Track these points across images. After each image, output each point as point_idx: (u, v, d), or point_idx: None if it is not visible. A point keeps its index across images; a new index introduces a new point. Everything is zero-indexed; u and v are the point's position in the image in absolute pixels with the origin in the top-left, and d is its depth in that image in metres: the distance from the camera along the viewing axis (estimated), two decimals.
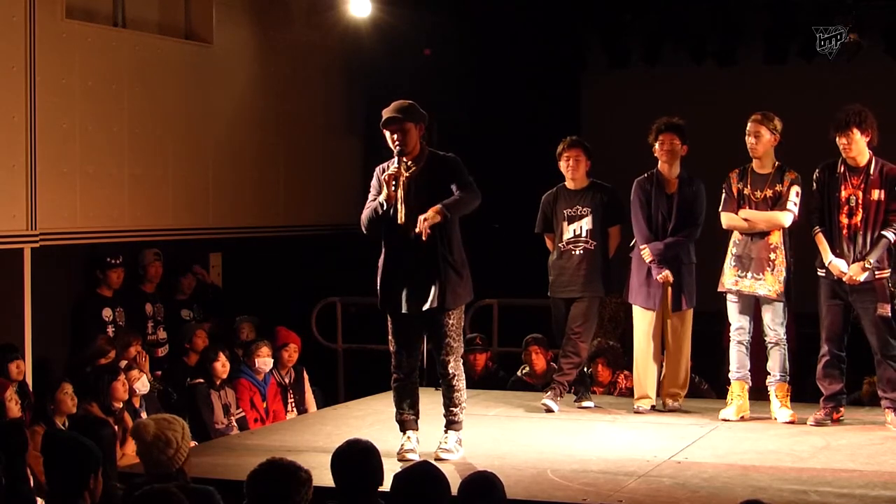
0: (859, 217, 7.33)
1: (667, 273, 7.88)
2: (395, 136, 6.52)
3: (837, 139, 7.33)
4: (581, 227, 8.15)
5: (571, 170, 8.18)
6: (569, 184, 8.24)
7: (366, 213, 6.67)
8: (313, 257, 11.50)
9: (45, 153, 8.65)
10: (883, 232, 7.29)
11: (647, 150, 8.04)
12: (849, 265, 7.35)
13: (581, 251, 8.13)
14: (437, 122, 6.75)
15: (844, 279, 7.34)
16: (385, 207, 6.53)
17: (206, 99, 10.46)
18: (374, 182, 6.72)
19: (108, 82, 9.45)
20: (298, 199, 11.59)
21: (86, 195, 9.19)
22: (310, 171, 11.75)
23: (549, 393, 8.17)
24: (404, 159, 6.56)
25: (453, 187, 6.55)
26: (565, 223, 8.17)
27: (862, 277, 7.30)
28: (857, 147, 7.31)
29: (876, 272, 7.31)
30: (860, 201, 7.33)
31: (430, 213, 6.41)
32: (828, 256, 7.40)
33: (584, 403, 8.26)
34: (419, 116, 6.57)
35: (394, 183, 6.48)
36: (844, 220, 7.38)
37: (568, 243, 8.17)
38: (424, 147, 6.64)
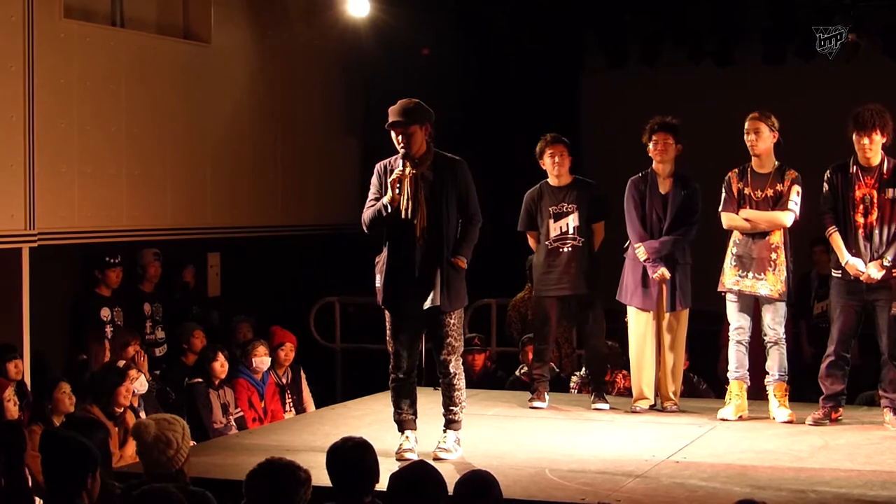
0: (874, 216, 7.36)
1: (663, 271, 7.88)
2: (401, 139, 6.52)
3: (858, 138, 7.34)
4: (567, 224, 8.15)
5: (557, 166, 8.17)
6: (552, 181, 8.24)
7: (368, 213, 6.66)
8: (311, 257, 11.51)
9: (43, 153, 8.65)
10: None
11: (647, 150, 8.03)
12: (865, 264, 7.36)
13: (569, 248, 8.13)
14: (435, 122, 6.74)
15: (862, 278, 7.35)
16: (389, 210, 6.54)
17: (204, 99, 10.46)
18: (374, 180, 6.71)
19: (107, 82, 9.46)
20: (297, 198, 11.60)
21: (84, 195, 9.19)
22: (308, 171, 11.76)
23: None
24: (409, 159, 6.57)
25: (460, 209, 6.63)
26: (551, 220, 8.17)
27: (880, 275, 7.32)
28: (875, 149, 7.35)
29: (893, 270, 7.32)
30: (875, 200, 7.35)
31: (458, 263, 6.59)
32: (844, 256, 7.41)
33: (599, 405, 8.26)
34: (425, 117, 6.56)
35: (398, 186, 6.49)
36: (860, 220, 7.39)
37: (555, 241, 8.16)
38: (430, 146, 6.63)
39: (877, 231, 7.36)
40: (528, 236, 8.38)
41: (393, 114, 6.54)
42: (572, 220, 8.14)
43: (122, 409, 7.52)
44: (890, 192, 7.35)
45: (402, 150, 6.52)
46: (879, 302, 7.41)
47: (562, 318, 8.40)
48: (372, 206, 6.66)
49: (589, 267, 8.15)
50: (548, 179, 8.25)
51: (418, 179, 6.54)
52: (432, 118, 6.60)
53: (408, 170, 6.52)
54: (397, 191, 6.48)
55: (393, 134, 6.55)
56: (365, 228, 6.72)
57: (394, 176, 6.50)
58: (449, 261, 6.58)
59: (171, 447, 5.04)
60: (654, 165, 8.03)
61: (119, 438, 7.35)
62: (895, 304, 7.36)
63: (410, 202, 6.50)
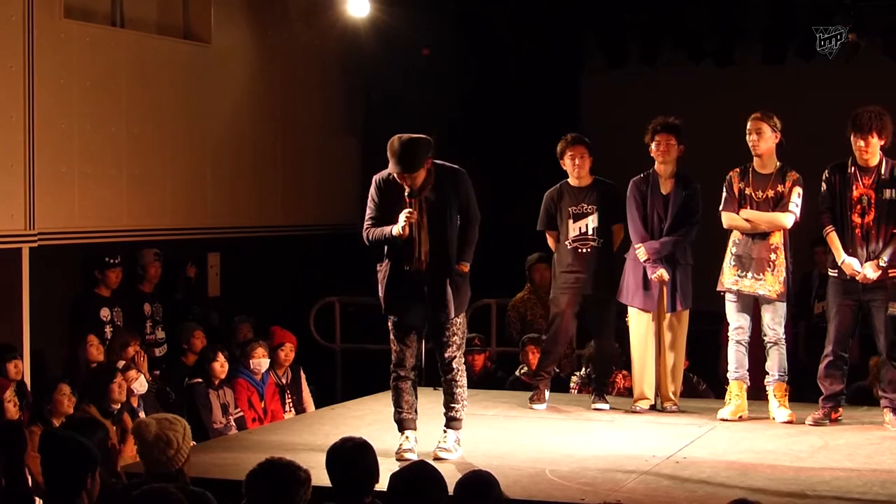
0: (872, 216, 7.36)
1: (662, 272, 7.88)
2: (407, 182, 6.50)
3: (854, 140, 7.35)
4: (587, 225, 8.13)
5: (578, 168, 8.15)
6: (573, 181, 8.22)
7: (372, 235, 6.64)
8: (311, 257, 11.51)
9: (43, 153, 8.65)
10: (895, 231, 7.32)
11: (647, 150, 8.03)
12: (862, 264, 7.36)
13: (588, 249, 8.12)
14: (434, 123, 6.72)
15: (858, 278, 7.36)
16: (397, 242, 6.53)
17: (204, 99, 10.46)
18: (372, 192, 6.69)
19: (107, 82, 9.45)
20: (296, 198, 11.59)
21: (84, 195, 9.19)
22: (308, 171, 11.75)
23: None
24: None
25: (460, 214, 6.63)
26: (570, 221, 8.16)
27: (875, 276, 7.32)
28: (873, 151, 7.35)
29: (889, 271, 7.33)
30: (872, 200, 7.36)
31: (462, 268, 6.61)
32: (841, 256, 7.41)
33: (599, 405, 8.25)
34: (427, 153, 6.49)
35: (409, 223, 6.48)
36: (857, 220, 7.40)
37: (574, 241, 8.15)
38: (430, 164, 6.61)
39: (874, 231, 7.37)
40: (548, 236, 8.35)
41: (395, 159, 6.45)
42: (591, 221, 8.12)
43: (119, 406, 7.52)
44: (888, 193, 7.35)
45: (407, 189, 6.52)
46: (875, 303, 7.41)
47: (576, 317, 8.38)
48: (372, 224, 6.66)
49: (607, 268, 8.14)
50: (568, 180, 8.24)
51: (422, 203, 6.54)
52: (432, 147, 6.55)
53: (415, 205, 6.52)
54: (407, 230, 6.48)
55: (402, 181, 6.54)
56: (366, 243, 6.73)
57: (402, 222, 6.47)
58: (455, 271, 6.60)
59: (171, 447, 5.04)
60: (655, 166, 8.03)
61: (117, 438, 7.34)
62: (892, 305, 7.36)
63: (415, 226, 6.51)
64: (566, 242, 8.17)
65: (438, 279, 6.57)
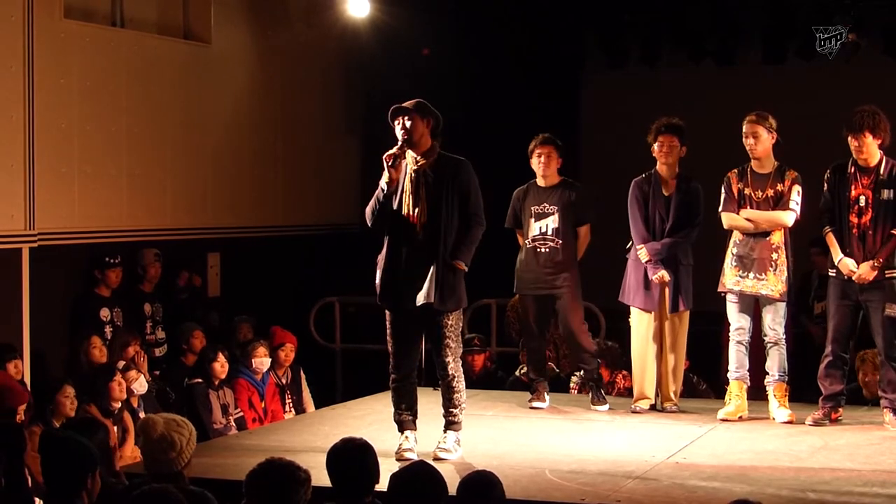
0: (869, 216, 7.36)
1: (663, 273, 7.88)
2: (401, 125, 6.53)
3: (850, 140, 7.36)
4: (547, 225, 8.12)
5: (543, 167, 8.16)
6: (539, 181, 8.23)
7: (370, 205, 6.67)
8: (311, 257, 11.51)
9: (43, 153, 8.65)
10: (893, 231, 7.32)
11: (647, 151, 8.04)
12: (858, 264, 7.36)
13: (547, 249, 8.12)
14: (441, 128, 6.77)
15: (854, 278, 7.36)
16: (386, 191, 6.54)
17: (204, 99, 10.46)
18: (384, 172, 6.72)
19: (107, 82, 9.45)
20: (296, 198, 11.60)
21: (84, 195, 9.19)
22: (308, 171, 11.75)
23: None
24: (411, 152, 6.56)
25: (460, 203, 6.61)
26: (532, 220, 8.15)
27: (871, 276, 7.32)
28: (869, 150, 7.35)
29: (885, 271, 7.33)
30: (870, 201, 7.36)
31: (456, 265, 6.57)
32: (837, 255, 7.42)
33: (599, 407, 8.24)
34: (427, 112, 6.59)
35: (392, 162, 6.49)
36: (854, 220, 7.40)
37: (534, 241, 8.15)
38: (436, 146, 6.64)
39: (870, 232, 7.37)
40: (517, 234, 8.37)
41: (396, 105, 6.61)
42: (552, 222, 8.11)
43: (119, 405, 7.52)
44: (885, 194, 7.36)
45: (402, 135, 6.53)
46: (872, 303, 7.41)
47: (543, 317, 8.35)
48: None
49: (565, 269, 8.09)
50: (536, 179, 8.26)
51: (420, 176, 6.55)
52: (436, 117, 6.61)
53: (410, 160, 6.52)
54: (390, 164, 6.49)
55: (395, 126, 6.57)
56: (367, 220, 6.71)
57: (388, 153, 6.51)
58: (445, 260, 6.57)
59: (173, 449, 5.03)
60: (657, 167, 8.03)
61: (118, 437, 7.34)
62: (888, 306, 7.36)
63: (411, 197, 6.51)
64: (526, 241, 8.19)
65: (426, 263, 6.55)
